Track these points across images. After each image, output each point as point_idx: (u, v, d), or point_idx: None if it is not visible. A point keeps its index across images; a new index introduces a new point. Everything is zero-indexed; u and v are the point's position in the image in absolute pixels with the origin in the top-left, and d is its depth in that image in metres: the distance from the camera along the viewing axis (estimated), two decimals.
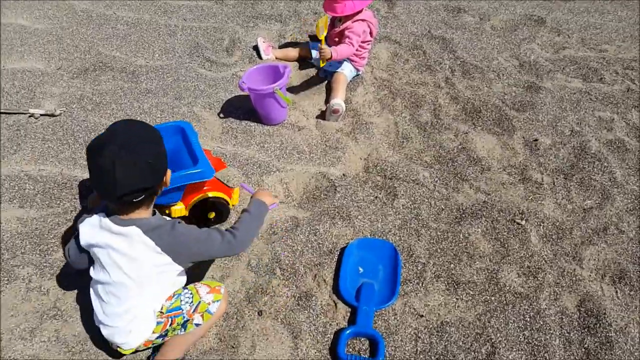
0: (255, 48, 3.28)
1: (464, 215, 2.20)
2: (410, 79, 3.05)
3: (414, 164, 2.47)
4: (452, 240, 2.09)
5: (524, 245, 2.05)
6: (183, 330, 1.58)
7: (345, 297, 1.84)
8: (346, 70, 2.90)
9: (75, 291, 1.89)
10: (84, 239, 1.50)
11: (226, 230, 1.59)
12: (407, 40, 3.39)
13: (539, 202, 2.24)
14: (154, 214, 1.57)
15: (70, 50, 3.30)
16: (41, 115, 2.72)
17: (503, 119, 2.71)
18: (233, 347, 1.71)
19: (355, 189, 2.33)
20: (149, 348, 1.66)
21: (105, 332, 1.52)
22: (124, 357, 1.68)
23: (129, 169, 1.37)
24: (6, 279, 1.94)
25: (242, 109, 2.78)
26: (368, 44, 2.87)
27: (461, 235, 2.11)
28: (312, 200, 2.30)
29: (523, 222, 2.14)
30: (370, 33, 2.82)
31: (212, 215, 2.12)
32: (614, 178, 2.33)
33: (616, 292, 1.88)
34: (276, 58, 3.19)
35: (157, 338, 1.56)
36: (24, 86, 2.94)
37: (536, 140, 2.56)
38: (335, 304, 1.86)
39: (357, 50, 2.78)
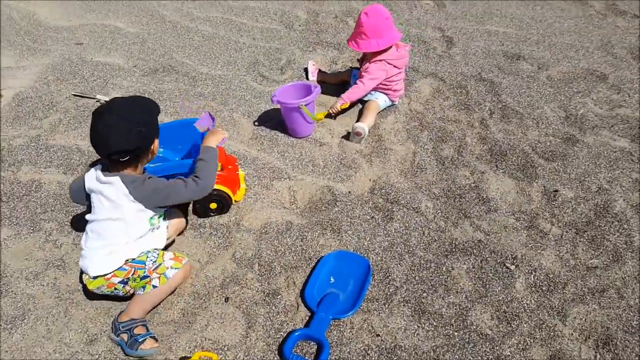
0: (306, 70, 3.48)
1: (453, 250, 2.14)
2: (444, 115, 3.04)
3: (420, 193, 2.45)
4: (433, 271, 2.04)
5: (506, 290, 1.94)
6: (142, 290, 1.72)
7: (308, 301, 1.88)
8: (380, 100, 2.97)
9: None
10: (87, 185, 1.76)
11: (191, 177, 1.79)
12: (453, 79, 3.38)
13: (538, 251, 2.12)
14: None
15: (149, 53, 3.73)
16: (105, 101, 3.10)
17: (528, 165, 2.60)
18: (189, 323, 1.81)
19: (354, 206, 2.36)
20: (112, 294, 1.81)
21: (81, 262, 1.73)
22: (97, 309, 1.86)
23: (118, 134, 1.61)
24: (32, 228, 2.23)
25: (275, 120, 2.95)
26: (396, 77, 2.91)
27: (444, 267, 2.05)
28: (312, 210, 2.37)
29: (512, 267, 2.03)
30: (396, 66, 2.87)
31: (214, 206, 2.27)
32: (630, 241, 2.13)
33: (596, 356, 1.71)
34: (321, 80, 3.35)
35: (118, 283, 1.73)
36: (100, 76, 3.38)
37: (556, 191, 2.42)
38: (298, 306, 1.90)
39: (384, 85, 2.89)
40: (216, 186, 2.21)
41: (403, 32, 4.01)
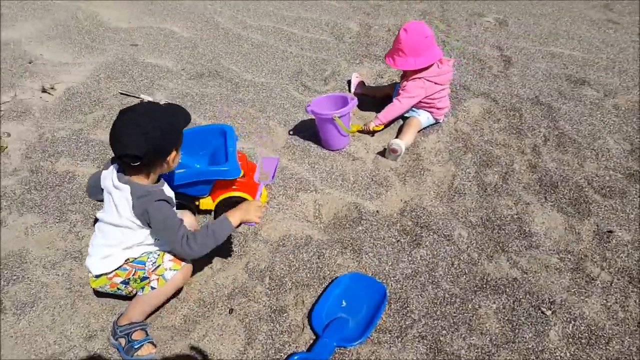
0: (349, 82, 3.41)
1: (484, 286, 1.96)
2: (492, 138, 2.85)
3: (455, 220, 2.29)
4: (458, 307, 1.88)
5: (538, 338, 1.74)
6: (142, 291, 1.69)
7: (314, 323, 1.77)
8: (422, 117, 2.84)
9: None
10: (102, 182, 1.72)
11: (190, 233, 1.65)
12: (507, 100, 3.19)
13: (582, 297, 1.89)
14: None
15: (198, 57, 3.81)
16: (148, 101, 3.19)
17: (581, 200, 2.37)
18: (188, 331, 1.76)
19: (379, 227, 2.24)
20: (115, 294, 1.81)
21: (87, 260, 1.72)
22: (102, 305, 1.86)
23: (133, 137, 1.54)
24: (58, 218, 2.29)
25: (310, 130, 2.89)
26: (439, 93, 2.76)
27: (470, 305, 1.88)
28: (335, 227, 2.28)
29: (548, 313, 1.82)
30: (437, 83, 2.73)
31: None
32: None
33: None
34: (363, 93, 3.27)
35: (120, 283, 1.71)
36: (148, 77, 3.48)
37: (611, 232, 2.18)
38: (303, 328, 1.80)
39: (426, 102, 2.77)
40: (237, 193, 2.17)
41: (458, 49, 3.87)
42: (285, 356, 1.69)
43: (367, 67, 3.66)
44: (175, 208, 1.73)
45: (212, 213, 2.27)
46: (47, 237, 2.20)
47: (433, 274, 2.02)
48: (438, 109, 2.82)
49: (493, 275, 2.01)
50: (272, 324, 1.80)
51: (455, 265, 2.06)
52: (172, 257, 1.75)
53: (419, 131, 2.87)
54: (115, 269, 1.68)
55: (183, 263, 1.76)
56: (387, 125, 2.89)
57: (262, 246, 2.14)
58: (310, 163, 2.67)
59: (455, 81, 3.41)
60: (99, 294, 1.90)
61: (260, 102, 3.22)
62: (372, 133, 2.88)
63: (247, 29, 4.35)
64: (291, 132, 2.92)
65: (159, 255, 1.74)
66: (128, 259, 1.69)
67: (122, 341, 1.67)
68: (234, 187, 2.18)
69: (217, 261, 2.08)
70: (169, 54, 3.86)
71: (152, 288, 1.69)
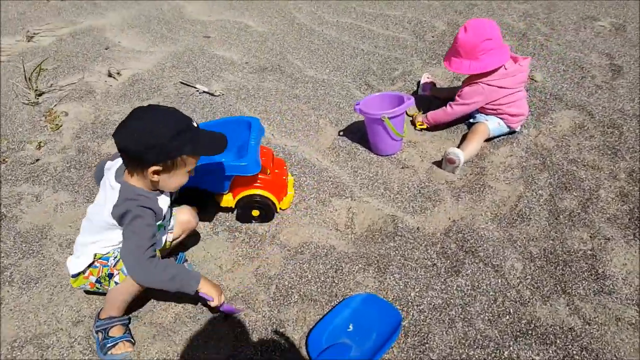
0: (419, 82, 3.19)
1: (529, 332, 1.65)
2: (580, 157, 2.47)
3: (511, 248, 1.98)
4: (490, 352, 1.59)
5: None
6: (109, 286, 1.64)
7: (310, 346, 1.61)
8: (491, 124, 2.54)
9: None
10: (105, 171, 1.67)
11: (157, 258, 1.56)
12: (606, 115, 2.75)
13: None
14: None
15: (265, 51, 3.83)
16: (203, 91, 3.25)
17: None
18: (173, 332, 1.69)
19: (415, 246, 2.01)
20: (95, 293, 1.80)
21: (67, 260, 1.71)
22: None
23: (127, 129, 1.48)
24: (87, 198, 2.37)
25: (361, 132, 2.73)
26: (507, 98, 2.44)
27: (507, 352, 1.59)
28: (366, 240, 2.09)
29: None
30: (503, 87, 2.42)
31: (257, 213, 2.14)
32: None
33: None
34: (432, 95, 3.03)
35: (95, 282, 1.67)
36: (209, 67, 3.56)
37: None
38: (299, 348, 1.64)
39: (492, 108, 2.51)
40: (260, 192, 2.08)
41: (557, 54, 3.46)
42: None
43: (444, 69, 3.40)
44: (164, 219, 1.67)
45: (235, 211, 2.19)
46: (72, 216, 2.28)
47: (468, 309, 1.75)
48: (511, 115, 2.51)
49: (544, 320, 1.69)
50: (264, 339, 1.67)
51: (498, 303, 1.77)
52: None
53: (487, 140, 2.58)
54: (88, 267, 1.65)
55: None
56: (431, 129, 2.76)
57: (277, 250, 2.02)
58: (353, 167, 2.50)
59: (546, 89, 3.04)
60: None
61: (316, 99, 3.13)
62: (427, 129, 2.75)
63: (322, 24, 4.29)
64: (341, 133, 2.78)
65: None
66: (96, 255, 1.64)
67: (100, 336, 1.63)
68: (256, 184, 2.09)
69: (228, 261, 2.01)
70: (238, 47, 3.93)
71: (116, 283, 1.61)
